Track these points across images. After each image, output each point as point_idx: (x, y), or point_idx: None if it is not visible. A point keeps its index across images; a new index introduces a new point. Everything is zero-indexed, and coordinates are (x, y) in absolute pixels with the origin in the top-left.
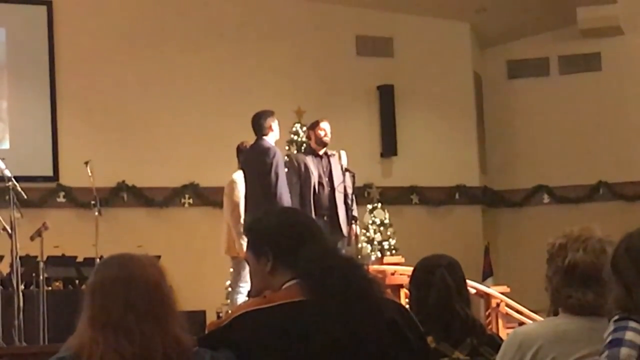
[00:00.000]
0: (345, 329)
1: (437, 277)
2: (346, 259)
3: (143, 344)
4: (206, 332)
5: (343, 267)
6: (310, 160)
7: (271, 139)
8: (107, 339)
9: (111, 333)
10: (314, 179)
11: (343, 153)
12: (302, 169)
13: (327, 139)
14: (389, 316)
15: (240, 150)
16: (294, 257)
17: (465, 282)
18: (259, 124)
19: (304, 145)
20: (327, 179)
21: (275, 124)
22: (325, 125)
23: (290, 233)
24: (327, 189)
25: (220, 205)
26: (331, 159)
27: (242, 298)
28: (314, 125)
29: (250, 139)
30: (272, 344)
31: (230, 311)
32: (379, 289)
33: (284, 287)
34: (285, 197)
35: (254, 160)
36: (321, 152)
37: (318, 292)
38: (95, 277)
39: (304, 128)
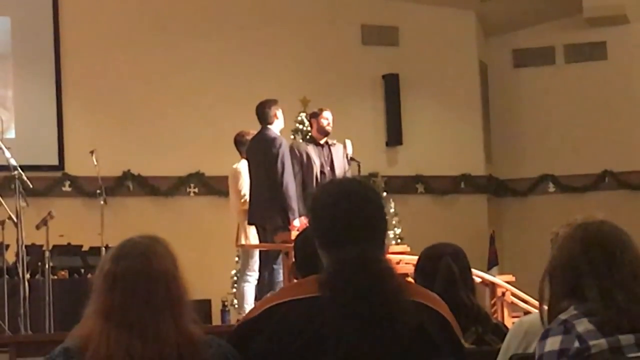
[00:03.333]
0: (363, 336)
1: (442, 266)
2: (375, 271)
3: (157, 344)
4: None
5: (369, 278)
6: (312, 150)
7: (276, 127)
8: (119, 336)
9: (125, 330)
10: (316, 169)
11: (348, 142)
12: (304, 158)
13: (329, 128)
14: (414, 322)
15: (238, 140)
16: (329, 253)
17: (470, 271)
18: (264, 113)
19: (309, 134)
20: (328, 168)
21: (279, 112)
22: (327, 114)
23: (332, 226)
24: (329, 178)
25: (225, 194)
26: (332, 148)
27: (249, 287)
28: (317, 114)
29: (255, 128)
30: (295, 339)
31: (236, 300)
32: (407, 294)
33: (322, 275)
34: (291, 187)
35: (260, 149)
36: (322, 142)
37: (334, 298)
38: (115, 267)
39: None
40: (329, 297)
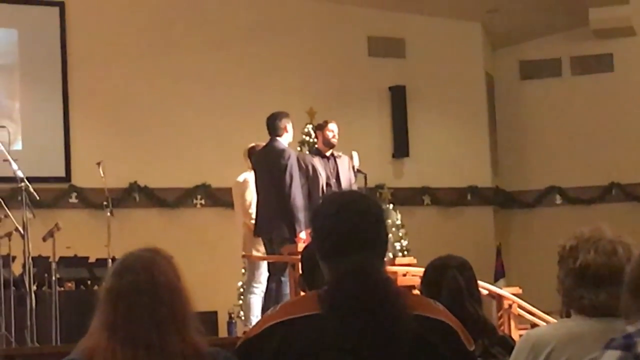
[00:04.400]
0: (363, 352)
1: (448, 278)
2: (373, 284)
3: (163, 357)
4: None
5: (366, 291)
6: (317, 162)
7: (285, 140)
8: (125, 351)
9: (131, 345)
10: (322, 181)
11: (355, 154)
12: (310, 170)
13: (334, 140)
14: (415, 335)
15: (252, 152)
16: (328, 265)
17: (476, 283)
18: (274, 125)
19: (315, 146)
20: (334, 180)
21: (290, 126)
22: (333, 127)
23: (331, 238)
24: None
25: (232, 205)
26: (338, 160)
27: (255, 299)
28: (322, 126)
29: (261, 139)
30: (296, 357)
31: (242, 312)
32: (405, 307)
33: (322, 289)
34: (299, 199)
35: (268, 161)
36: (328, 154)
37: (334, 314)
38: (120, 281)
39: None
40: (327, 313)
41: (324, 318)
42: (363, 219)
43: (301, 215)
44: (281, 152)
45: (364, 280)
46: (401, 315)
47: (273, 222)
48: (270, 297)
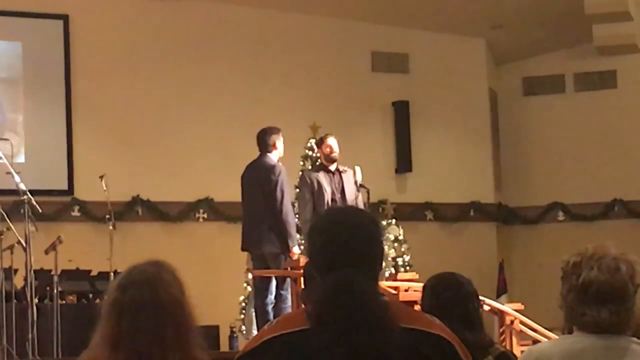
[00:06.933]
0: None
1: (449, 294)
2: (357, 299)
3: None
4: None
5: (350, 307)
6: (322, 177)
7: (275, 156)
8: None
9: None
10: (327, 196)
11: (358, 169)
12: (315, 185)
13: (334, 155)
14: (404, 349)
15: None
16: (320, 281)
17: (477, 299)
18: (263, 141)
19: (319, 160)
20: (339, 195)
21: (279, 142)
22: (331, 141)
23: (322, 252)
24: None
25: (234, 220)
26: (343, 175)
27: None
28: (320, 142)
29: None
30: None
31: (244, 326)
32: (392, 320)
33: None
34: (291, 214)
35: (259, 176)
36: (332, 168)
37: (320, 328)
38: (122, 296)
39: None
40: (314, 328)
41: (313, 333)
42: (354, 235)
43: (293, 231)
44: (271, 168)
45: (348, 295)
46: (388, 328)
47: (264, 237)
48: (264, 312)
